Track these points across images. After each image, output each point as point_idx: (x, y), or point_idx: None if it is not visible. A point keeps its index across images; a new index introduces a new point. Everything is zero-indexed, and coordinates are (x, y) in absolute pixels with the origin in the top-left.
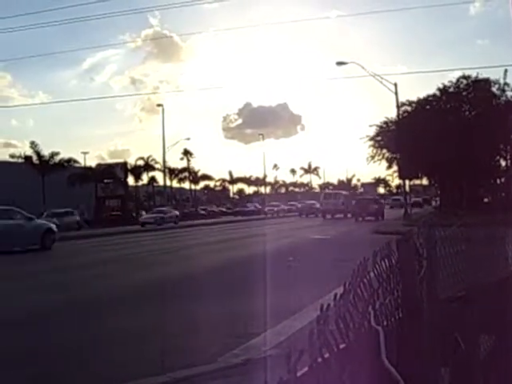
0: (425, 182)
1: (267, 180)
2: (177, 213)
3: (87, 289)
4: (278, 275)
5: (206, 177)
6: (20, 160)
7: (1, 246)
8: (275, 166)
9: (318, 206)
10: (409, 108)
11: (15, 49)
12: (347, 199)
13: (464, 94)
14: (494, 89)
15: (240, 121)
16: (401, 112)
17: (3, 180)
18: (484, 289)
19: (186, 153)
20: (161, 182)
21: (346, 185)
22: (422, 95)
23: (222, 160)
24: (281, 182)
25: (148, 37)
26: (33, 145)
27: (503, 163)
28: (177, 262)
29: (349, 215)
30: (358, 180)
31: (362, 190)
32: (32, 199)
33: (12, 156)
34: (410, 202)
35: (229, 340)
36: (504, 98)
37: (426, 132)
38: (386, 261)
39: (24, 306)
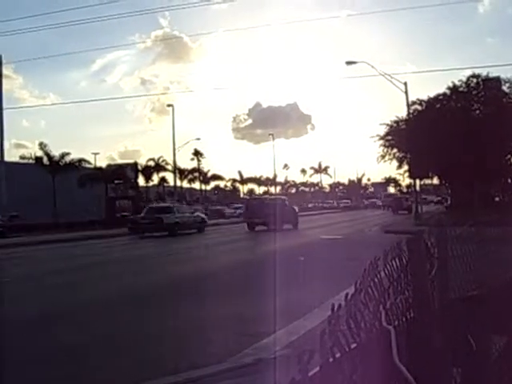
0: (435, 181)
1: (277, 180)
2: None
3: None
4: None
5: (216, 177)
6: (31, 161)
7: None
8: (285, 165)
9: (379, 203)
10: (419, 107)
11: (26, 50)
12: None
13: (474, 92)
14: (505, 87)
15: (250, 121)
16: (411, 111)
17: (14, 181)
18: (496, 288)
19: (197, 153)
20: (171, 183)
21: (356, 184)
22: (432, 94)
23: (232, 160)
24: (291, 182)
25: (158, 37)
26: (42, 145)
27: None
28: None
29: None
30: (369, 179)
31: (372, 189)
32: (43, 200)
33: (22, 157)
34: (435, 200)
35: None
36: None
37: (437, 131)
38: (397, 260)
39: None
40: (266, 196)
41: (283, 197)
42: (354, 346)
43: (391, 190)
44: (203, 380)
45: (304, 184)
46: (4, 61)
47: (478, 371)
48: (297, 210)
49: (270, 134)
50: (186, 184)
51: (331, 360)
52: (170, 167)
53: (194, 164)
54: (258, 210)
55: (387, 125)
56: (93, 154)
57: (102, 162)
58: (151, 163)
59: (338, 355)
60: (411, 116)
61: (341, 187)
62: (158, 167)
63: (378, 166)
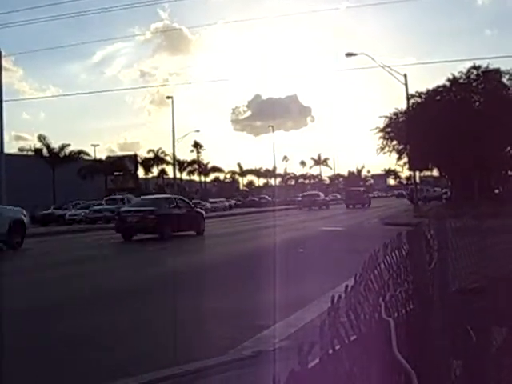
0: (435, 173)
1: (277, 172)
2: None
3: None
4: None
5: (215, 169)
6: (30, 153)
7: None
8: (285, 157)
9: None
10: (419, 99)
11: (26, 42)
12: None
13: (474, 84)
14: (505, 79)
15: (249, 113)
16: (411, 103)
17: (14, 173)
18: (496, 280)
19: (196, 145)
20: (171, 175)
21: (355, 176)
22: (432, 86)
23: (231, 152)
24: (290, 174)
25: (157, 30)
26: (41, 138)
27: None
28: None
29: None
30: (368, 171)
31: (371, 181)
32: (42, 192)
33: (22, 149)
34: (443, 191)
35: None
36: None
37: (436, 123)
38: (397, 252)
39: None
40: (358, 188)
41: (363, 188)
42: (353, 337)
43: (391, 181)
44: (204, 372)
45: (304, 176)
46: (4, 53)
47: (478, 363)
48: (370, 196)
49: (269, 126)
50: (185, 176)
51: (331, 352)
52: (169, 159)
53: (193, 156)
54: (352, 196)
55: (387, 117)
56: (92, 145)
57: (102, 154)
58: (151, 155)
59: (337, 347)
60: (411, 108)
61: (341, 179)
62: (158, 159)
63: (377, 158)
